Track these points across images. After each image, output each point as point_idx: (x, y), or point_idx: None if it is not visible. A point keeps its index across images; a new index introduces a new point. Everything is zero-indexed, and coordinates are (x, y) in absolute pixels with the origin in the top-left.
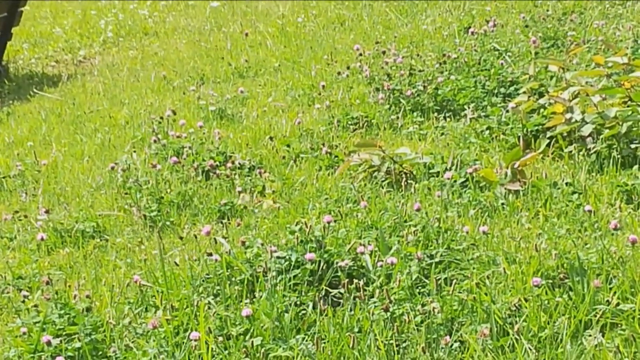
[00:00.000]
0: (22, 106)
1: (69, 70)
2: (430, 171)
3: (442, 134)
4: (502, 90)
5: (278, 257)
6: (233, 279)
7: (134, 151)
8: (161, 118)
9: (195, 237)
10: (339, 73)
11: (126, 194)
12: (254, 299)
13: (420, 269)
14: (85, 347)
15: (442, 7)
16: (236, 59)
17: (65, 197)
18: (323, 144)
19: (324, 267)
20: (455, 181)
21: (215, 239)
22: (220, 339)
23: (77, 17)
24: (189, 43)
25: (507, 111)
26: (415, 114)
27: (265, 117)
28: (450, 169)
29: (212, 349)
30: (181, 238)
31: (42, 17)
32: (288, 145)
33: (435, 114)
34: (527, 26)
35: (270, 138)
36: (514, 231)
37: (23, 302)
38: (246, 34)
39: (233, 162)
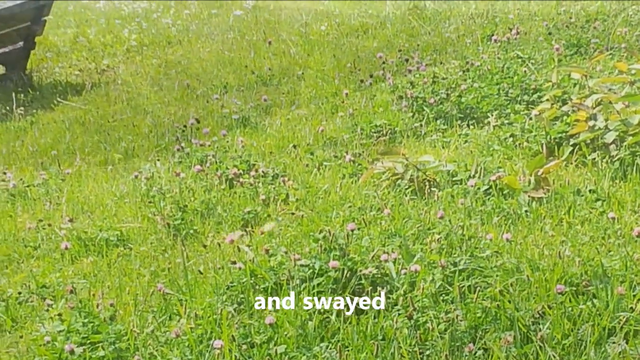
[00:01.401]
0: (45, 115)
1: (92, 79)
2: (454, 179)
3: (466, 141)
4: (525, 97)
5: (302, 265)
6: (257, 287)
7: (158, 160)
8: (185, 126)
9: (219, 246)
10: (362, 81)
11: (150, 202)
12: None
13: (444, 277)
14: (109, 355)
15: (465, 15)
16: (259, 67)
17: (89, 206)
18: (346, 152)
19: (348, 275)
20: (478, 189)
21: (238, 247)
22: (244, 347)
23: (100, 26)
24: (212, 52)
25: (531, 118)
26: (438, 121)
27: (289, 125)
28: (474, 177)
29: (235, 357)
30: (205, 246)
31: (66, 26)
32: (311, 153)
33: (459, 122)
34: (550, 34)
35: (294, 146)
36: (537, 238)
37: (47, 310)
38: (269, 42)
39: (256, 170)
